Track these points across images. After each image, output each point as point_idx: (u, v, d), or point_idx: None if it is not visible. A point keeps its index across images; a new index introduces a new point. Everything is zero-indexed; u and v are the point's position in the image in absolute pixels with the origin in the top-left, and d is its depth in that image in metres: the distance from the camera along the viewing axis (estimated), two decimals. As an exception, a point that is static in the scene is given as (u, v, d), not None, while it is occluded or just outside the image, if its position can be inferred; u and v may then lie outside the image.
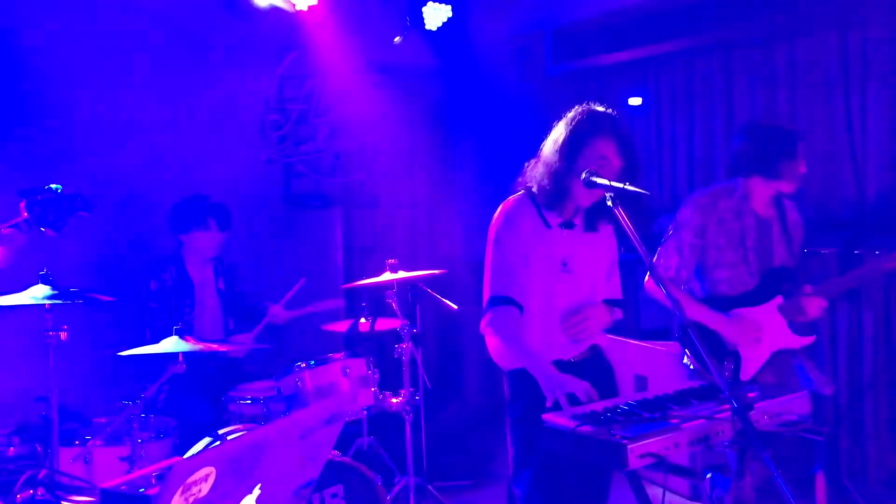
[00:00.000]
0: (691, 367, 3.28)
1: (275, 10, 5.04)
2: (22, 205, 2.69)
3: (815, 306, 3.21)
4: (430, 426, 4.30)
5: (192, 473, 1.20)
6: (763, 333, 3.21)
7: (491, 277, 2.63)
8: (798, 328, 3.27)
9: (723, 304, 3.27)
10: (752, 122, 3.67)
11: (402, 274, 3.94)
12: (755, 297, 3.26)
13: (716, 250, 3.27)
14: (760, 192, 3.28)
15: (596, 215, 2.63)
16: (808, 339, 3.29)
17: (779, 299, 3.26)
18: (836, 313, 4.51)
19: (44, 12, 4.29)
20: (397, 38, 5.23)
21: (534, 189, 2.64)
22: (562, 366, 2.55)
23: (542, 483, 2.52)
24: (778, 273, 3.29)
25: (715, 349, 3.22)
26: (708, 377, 2.04)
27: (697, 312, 3.23)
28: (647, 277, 3.31)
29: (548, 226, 2.63)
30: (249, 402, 3.63)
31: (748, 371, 3.23)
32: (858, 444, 4.41)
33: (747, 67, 4.97)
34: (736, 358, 3.21)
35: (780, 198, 3.35)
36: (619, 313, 2.77)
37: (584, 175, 2.47)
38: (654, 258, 3.32)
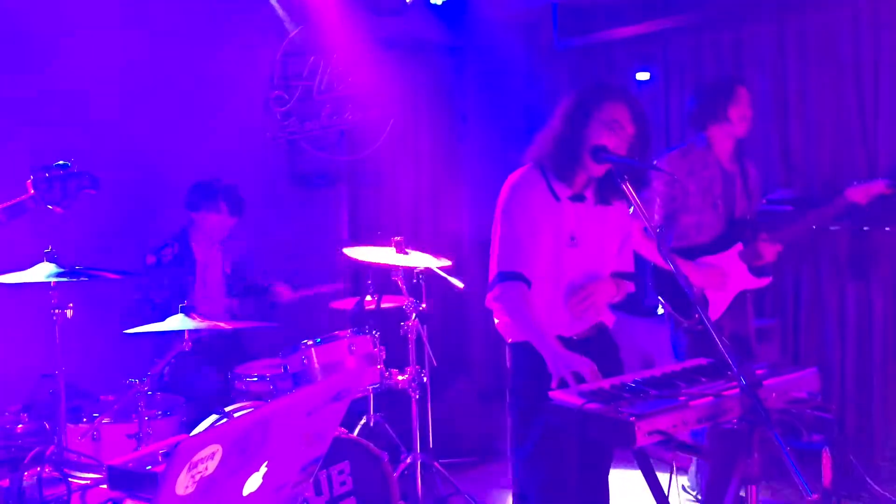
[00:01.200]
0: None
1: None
2: (29, 181, 2.67)
3: (770, 250, 3.62)
4: (437, 403, 4.30)
5: (198, 451, 1.19)
6: (727, 277, 3.58)
7: (499, 251, 2.59)
8: (756, 271, 3.66)
9: (690, 253, 3.61)
10: (698, 83, 4.24)
11: (410, 255, 3.92)
12: (719, 245, 3.62)
13: (686, 196, 3.59)
14: (720, 140, 3.61)
15: (607, 188, 2.58)
16: (765, 280, 3.70)
17: (739, 246, 3.62)
18: (845, 290, 4.49)
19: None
20: None
21: (543, 160, 2.60)
22: (565, 342, 2.52)
23: (542, 456, 2.51)
24: (739, 223, 3.65)
25: (683, 294, 3.41)
26: (726, 354, 2.03)
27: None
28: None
29: (557, 198, 2.58)
30: (256, 379, 3.64)
31: (715, 312, 3.60)
32: (865, 421, 4.41)
33: (756, 42, 4.91)
34: (704, 300, 3.59)
35: (741, 155, 3.71)
36: (630, 286, 2.73)
37: (592, 150, 2.45)
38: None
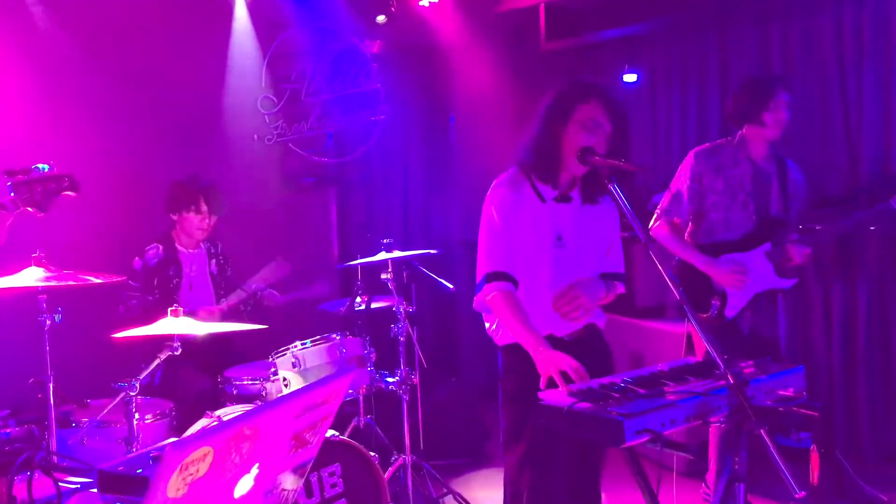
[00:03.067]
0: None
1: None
2: (8, 184, 2.66)
3: (799, 253, 3.54)
4: (427, 405, 4.31)
5: (189, 453, 1.19)
6: (749, 276, 3.53)
7: (485, 253, 2.60)
8: (784, 272, 3.60)
9: (715, 249, 3.59)
10: (742, 78, 4.10)
11: (397, 253, 3.93)
12: (747, 243, 3.58)
13: (713, 194, 3.58)
14: (754, 141, 3.59)
15: (594, 187, 2.60)
16: (791, 282, 3.62)
17: (767, 245, 3.57)
18: (830, 289, 4.52)
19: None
20: (381, 18, 5.19)
21: (526, 162, 2.61)
22: (555, 343, 2.53)
23: (534, 457, 2.52)
24: (772, 222, 3.60)
25: (705, 288, 3.57)
26: (714, 353, 2.04)
27: (690, 255, 3.60)
28: (656, 224, 3.68)
29: (542, 199, 2.60)
30: (246, 382, 3.63)
31: (733, 309, 3.56)
32: (852, 419, 4.44)
33: (742, 44, 4.94)
34: (723, 296, 3.55)
35: (781, 157, 3.67)
36: (620, 287, 2.73)
37: (578, 152, 2.46)
38: (659, 207, 3.68)
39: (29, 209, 2.67)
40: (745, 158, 3.59)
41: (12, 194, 2.66)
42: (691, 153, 3.66)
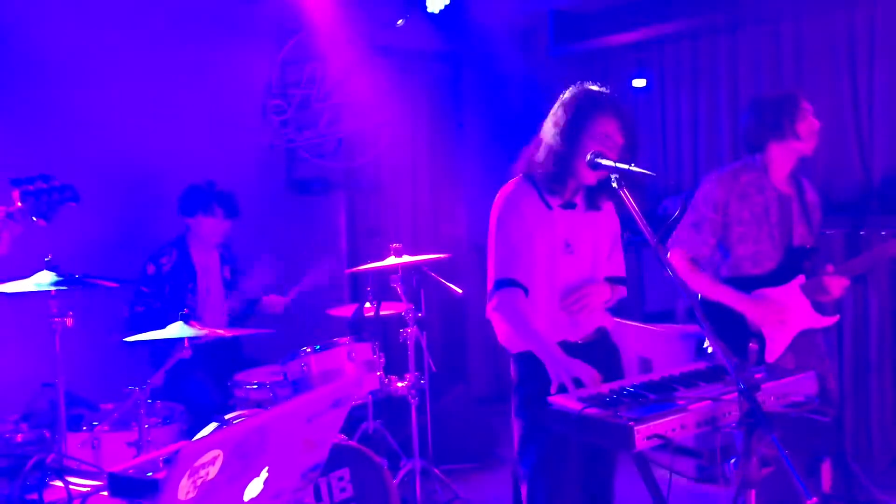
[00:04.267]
0: (709, 350, 3.23)
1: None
2: (15, 194, 2.69)
3: (837, 285, 3.17)
4: (436, 410, 4.30)
5: (199, 456, 1.20)
6: (787, 314, 3.17)
7: (495, 261, 2.62)
8: (821, 308, 3.24)
9: (745, 284, 3.20)
10: (755, 96, 3.73)
11: (406, 258, 3.93)
12: (777, 277, 3.21)
13: (739, 225, 3.21)
14: (779, 161, 3.24)
15: (597, 193, 2.62)
16: (832, 319, 3.26)
17: (801, 279, 3.21)
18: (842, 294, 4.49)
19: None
20: (400, 21, 5.21)
21: (534, 172, 2.62)
22: (569, 347, 2.54)
23: (548, 465, 2.52)
24: (798, 252, 3.25)
25: (739, 330, 3.15)
26: (723, 358, 2.01)
27: (720, 293, 3.19)
28: (671, 255, 3.27)
29: (549, 207, 2.61)
30: (255, 386, 3.64)
31: (774, 352, 3.18)
32: (863, 426, 4.41)
33: (752, 48, 4.93)
34: (760, 339, 3.15)
35: (798, 177, 3.33)
36: (622, 291, 2.75)
37: (589, 157, 2.47)
38: (671, 237, 3.29)
39: (34, 219, 2.70)
40: (769, 185, 3.23)
41: (19, 204, 2.69)
42: (712, 177, 3.28)
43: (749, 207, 3.21)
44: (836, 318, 3.29)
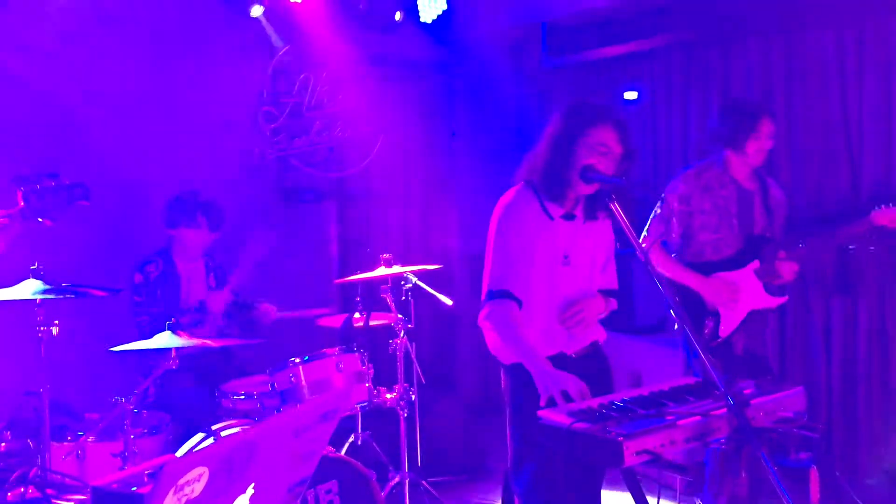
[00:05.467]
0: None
1: (269, 3, 5.01)
2: (19, 194, 2.62)
3: (788, 269, 3.56)
4: (425, 421, 4.28)
5: (184, 473, 1.18)
6: (740, 294, 3.54)
7: (490, 270, 2.61)
8: (773, 290, 3.61)
9: (705, 268, 3.60)
10: (726, 99, 4.20)
11: (396, 268, 3.92)
12: (735, 262, 3.59)
13: (701, 214, 3.59)
14: (736, 164, 3.62)
15: (595, 204, 2.62)
16: (781, 300, 3.65)
17: (755, 263, 3.59)
18: (830, 305, 4.51)
19: (43, 7, 4.26)
20: (398, 15, 5.24)
21: (535, 180, 2.61)
22: (563, 360, 2.53)
23: (543, 479, 2.51)
24: (758, 240, 3.62)
25: (698, 308, 3.57)
26: (713, 373, 2.03)
27: (681, 275, 3.60)
28: (647, 248, 3.65)
29: (550, 218, 2.61)
30: (243, 397, 3.61)
31: (726, 329, 3.57)
32: (852, 438, 4.42)
33: (743, 61, 4.96)
34: (715, 317, 3.56)
35: (761, 174, 3.70)
36: (614, 304, 2.76)
37: (581, 171, 2.47)
38: (645, 229, 3.69)
39: (39, 219, 2.62)
40: (729, 180, 3.61)
41: (23, 203, 2.61)
42: (679, 175, 3.68)
43: (711, 200, 3.59)
44: (785, 298, 3.69)
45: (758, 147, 3.56)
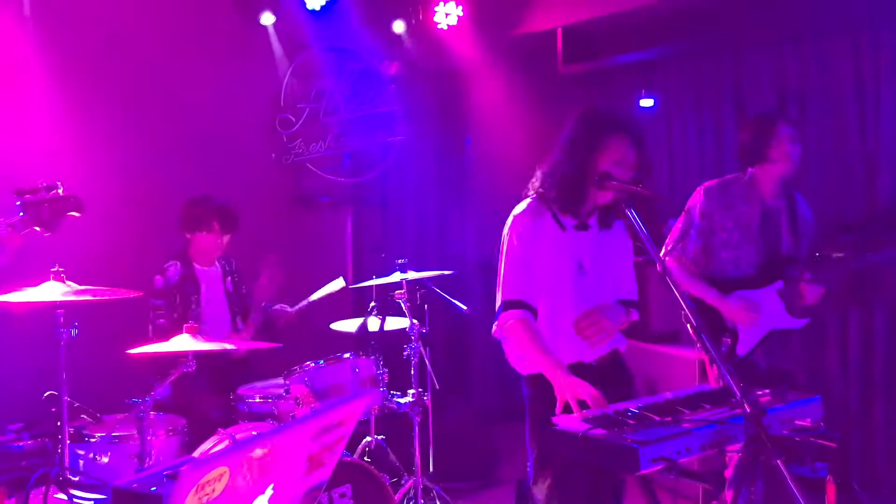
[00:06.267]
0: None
1: (285, 10, 5.06)
2: (17, 203, 2.69)
3: (812, 292, 3.43)
4: (438, 427, 4.29)
5: (206, 473, 1.20)
6: (761, 314, 3.44)
7: (504, 281, 2.60)
8: (796, 312, 3.51)
9: (727, 285, 3.49)
10: (752, 115, 4.04)
11: (411, 274, 3.93)
12: (757, 280, 3.48)
13: (723, 231, 3.50)
14: (764, 179, 3.50)
15: (610, 213, 2.61)
16: (803, 321, 3.53)
17: (779, 284, 3.48)
18: (847, 315, 4.49)
19: (55, 10, 4.31)
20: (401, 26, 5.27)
21: (548, 192, 2.61)
22: (582, 368, 2.53)
23: (562, 490, 2.50)
24: (782, 260, 3.51)
25: (715, 325, 3.46)
26: (730, 381, 2.01)
27: (700, 290, 3.49)
28: (665, 258, 3.51)
29: (563, 228, 2.61)
30: (258, 400, 3.63)
31: (744, 348, 3.47)
32: (869, 447, 4.38)
33: (757, 68, 4.95)
34: (734, 335, 3.47)
35: (790, 192, 3.57)
36: (634, 314, 2.74)
37: (598, 178, 2.47)
38: (667, 242, 3.60)
39: (36, 229, 2.69)
40: (755, 197, 3.50)
41: (21, 214, 2.67)
42: (700, 189, 3.57)
43: (733, 217, 3.49)
44: (807, 320, 3.54)
45: (781, 152, 3.43)
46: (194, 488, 1.18)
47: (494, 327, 2.62)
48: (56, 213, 2.69)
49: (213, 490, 1.23)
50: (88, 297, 2.89)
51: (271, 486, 1.39)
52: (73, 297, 2.86)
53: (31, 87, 4.23)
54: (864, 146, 4.48)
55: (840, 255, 3.57)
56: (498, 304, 2.61)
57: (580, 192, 2.55)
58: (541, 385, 2.51)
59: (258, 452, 1.31)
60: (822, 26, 4.60)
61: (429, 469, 4.14)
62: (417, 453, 3.88)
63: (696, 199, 3.55)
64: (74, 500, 1.90)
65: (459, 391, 5.62)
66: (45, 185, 2.72)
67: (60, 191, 2.72)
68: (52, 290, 2.87)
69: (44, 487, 1.90)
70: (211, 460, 1.21)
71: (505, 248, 2.63)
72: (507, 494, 4.22)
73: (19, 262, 2.84)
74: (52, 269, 2.93)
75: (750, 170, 3.52)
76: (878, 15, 4.36)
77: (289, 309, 4.32)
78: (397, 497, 3.72)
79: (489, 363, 5.91)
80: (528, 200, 2.67)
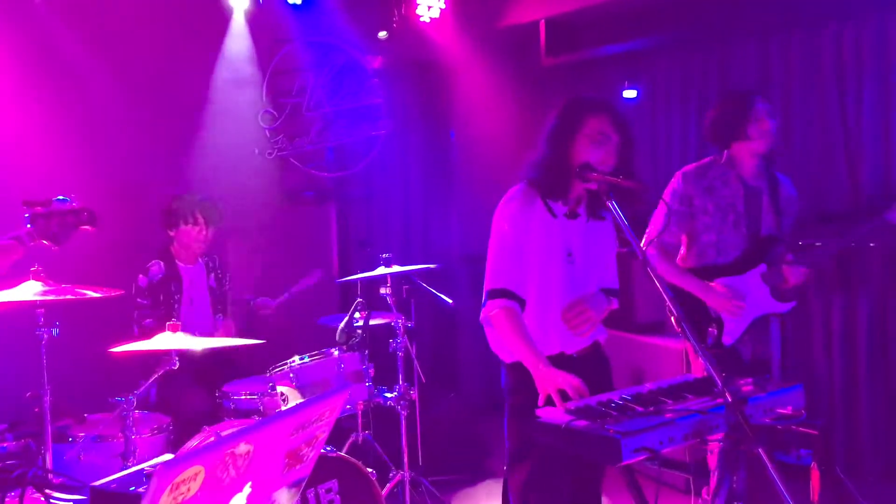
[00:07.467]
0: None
1: (267, 4, 5.02)
2: (26, 215, 2.63)
3: (796, 274, 3.38)
4: (425, 420, 4.29)
5: (180, 473, 1.19)
6: (745, 301, 3.37)
7: (492, 268, 2.59)
8: (781, 295, 3.44)
9: (709, 272, 3.42)
10: (720, 93, 3.91)
11: (396, 268, 3.93)
12: (741, 265, 3.41)
13: (704, 215, 3.42)
14: (743, 158, 3.43)
15: (599, 202, 2.60)
16: (789, 305, 3.46)
17: (762, 267, 3.41)
18: (831, 305, 4.51)
19: (42, 9, 4.26)
20: (382, 34, 5.23)
21: (536, 180, 2.61)
22: (564, 360, 2.53)
23: (540, 478, 2.50)
24: (764, 241, 3.44)
25: (700, 315, 3.39)
26: (711, 371, 2.02)
27: (683, 280, 3.41)
28: (646, 248, 3.43)
29: (554, 215, 2.60)
30: (244, 397, 3.62)
31: (730, 337, 3.40)
32: (853, 435, 4.42)
33: (742, 60, 4.96)
34: (719, 323, 3.39)
35: (771, 170, 3.50)
36: (615, 303, 2.75)
37: (578, 170, 2.47)
38: (648, 231, 3.49)
39: (45, 242, 2.63)
40: (734, 177, 3.42)
41: (29, 226, 2.62)
42: (679, 173, 3.49)
43: (714, 200, 3.41)
44: (794, 303, 3.47)
45: (759, 129, 3.36)
46: (168, 488, 1.17)
47: (481, 315, 2.62)
48: (66, 227, 2.63)
49: (189, 489, 1.22)
50: (69, 297, 2.87)
51: (249, 483, 1.38)
52: (52, 297, 2.83)
53: (1, 80, 4.18)
54: (847, 136, 4.50)
55: (821, 243, 3.55)
56: (485, 291, 2.60)
57: (564, 176, 2.54)
58: (520, 373, 2.50)
59: (234, 450, 1.30)
60: (806, 18, 4.61)
61: (417, 463, 4.14)
62: (405, 447, 3.87)
63: (674, 185, 3.48)
64: (51, 501, 1.89)
65: (446, 384, 5.62)
66: (57, 197, 2.65)
67: (64, 201, 2.67)
68: (32, 290, 2.84)
69: (21, 489, 1.89)
70: (185, 459, 1.20)
71: (495, 234, 2.62)
72: (496, 486, 4.23)
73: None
74: (32, 269, 2.90)
75: (727, 151, 3.45)
76: (861, 4, 4.38)
77: (271, 302, 4.33)
78: (385, 491, 3.72)
79: (476, 356, 5.92)
80: (518, 186, 2.66)
